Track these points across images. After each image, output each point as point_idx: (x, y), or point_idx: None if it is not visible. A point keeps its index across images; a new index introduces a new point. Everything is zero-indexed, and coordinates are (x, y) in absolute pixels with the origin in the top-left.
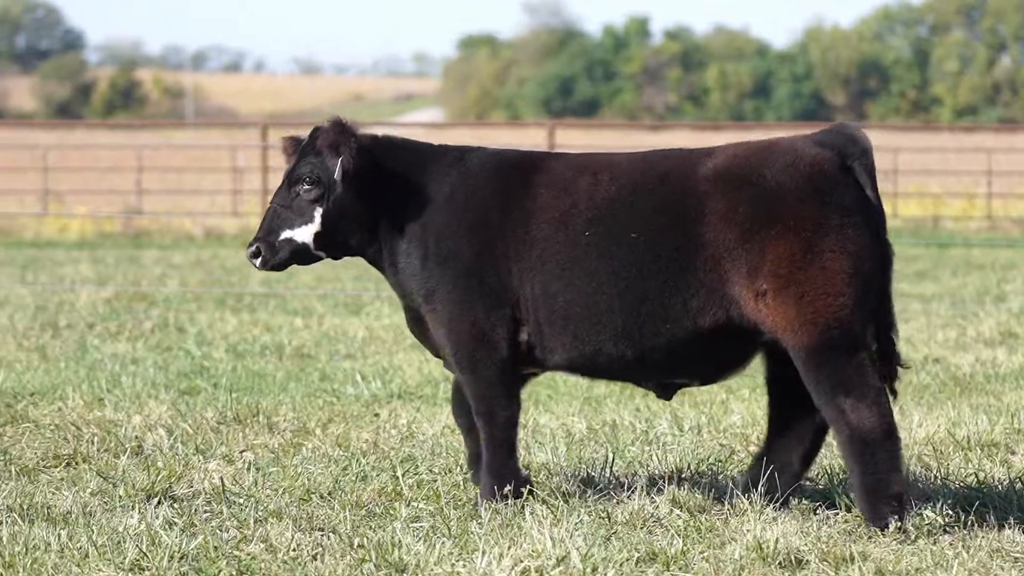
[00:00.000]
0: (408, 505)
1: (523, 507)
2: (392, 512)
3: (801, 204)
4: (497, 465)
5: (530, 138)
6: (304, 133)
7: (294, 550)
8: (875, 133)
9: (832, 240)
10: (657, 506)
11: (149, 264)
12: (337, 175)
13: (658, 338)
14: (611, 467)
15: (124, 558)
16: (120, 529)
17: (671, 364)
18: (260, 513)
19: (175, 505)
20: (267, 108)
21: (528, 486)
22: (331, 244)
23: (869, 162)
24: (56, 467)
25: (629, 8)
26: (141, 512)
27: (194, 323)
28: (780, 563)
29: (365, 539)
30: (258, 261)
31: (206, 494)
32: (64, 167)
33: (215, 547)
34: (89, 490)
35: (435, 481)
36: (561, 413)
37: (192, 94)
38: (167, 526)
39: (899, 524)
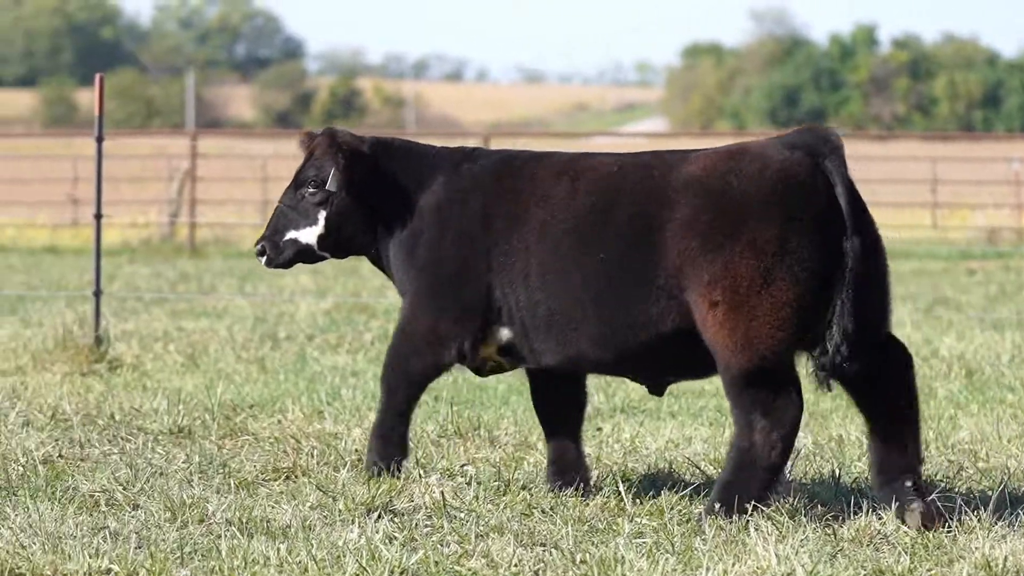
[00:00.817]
0: (631, 521)
1: (747, 523)
2: (615, 528)
3: (764, 222)
4: (386, 429)
5: None
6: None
7: (515, 565)
8: None
9: (787, 267)
10: (884, 523)
11: (368, 275)
12: (331, 186)
13: (631, 344)
14: (837, 483)
15: (344, 573)
16: (340, 543)
17: (651, 365)
18: (481, 528)
19: (395, 519)
20: (489, 117)
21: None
22: (335, 245)
23: (840, 160)
24: (275, 480)
25: (856, 16)
26: (361, 526)
27: None
28: None
29: (587, 555)
30: (263, 260)
31: (427, 508)
32: (283, 177)
33: (436, 562)
34: (308, 504)
35: (659, 496)
36: None
37: (413, 103)
38: (387, 540)
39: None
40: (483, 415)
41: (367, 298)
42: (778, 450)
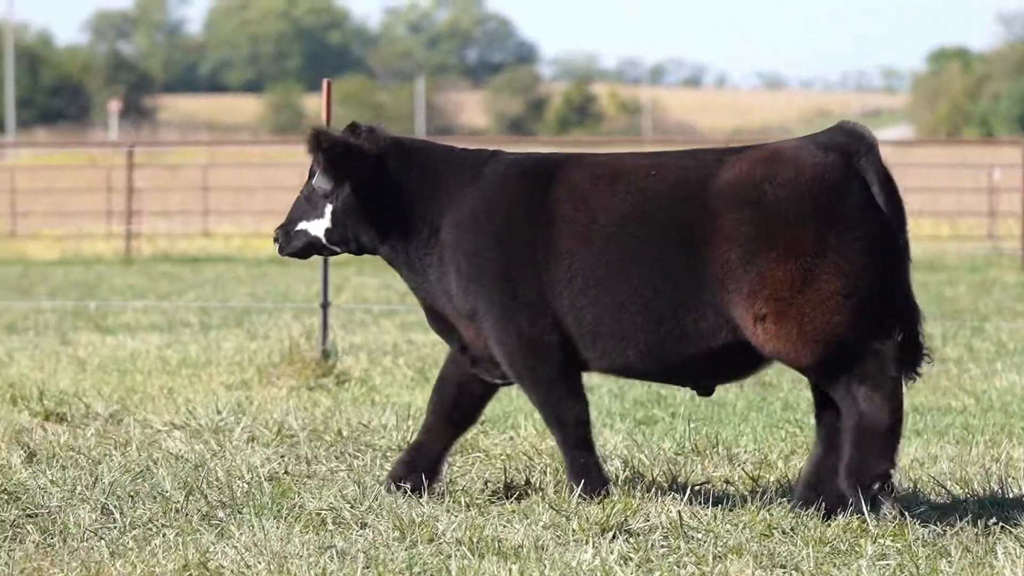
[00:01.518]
0: (874, 542)
1: (994, 545)
2: (857, 549)
3: (800, 225)
4: (579, 468)
5: (1004, 157)
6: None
7: None
8: None
9: (830, 262)
10: None
11: None
12: (316, 183)
13: (679, 355)
14: None
15: None
16: (573, 564)
17: (700, 373)
18: (719, 549)
19: (631, 539)
20: (728, 124)
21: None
22: (342, 240)
23: (876, 158)
24: (507, 499)
25: None
26: (595, 547)
27: None
28: None
29: None
30: (277, 247)
31: (663, 528)
32: None
33: None
34: (541, 523)
35: (903, 517)
36: None
37: (650, 109)
38: (622, 561)
39: (880, 504)
40: (721, 432)
41: None
42: (887, 411)
